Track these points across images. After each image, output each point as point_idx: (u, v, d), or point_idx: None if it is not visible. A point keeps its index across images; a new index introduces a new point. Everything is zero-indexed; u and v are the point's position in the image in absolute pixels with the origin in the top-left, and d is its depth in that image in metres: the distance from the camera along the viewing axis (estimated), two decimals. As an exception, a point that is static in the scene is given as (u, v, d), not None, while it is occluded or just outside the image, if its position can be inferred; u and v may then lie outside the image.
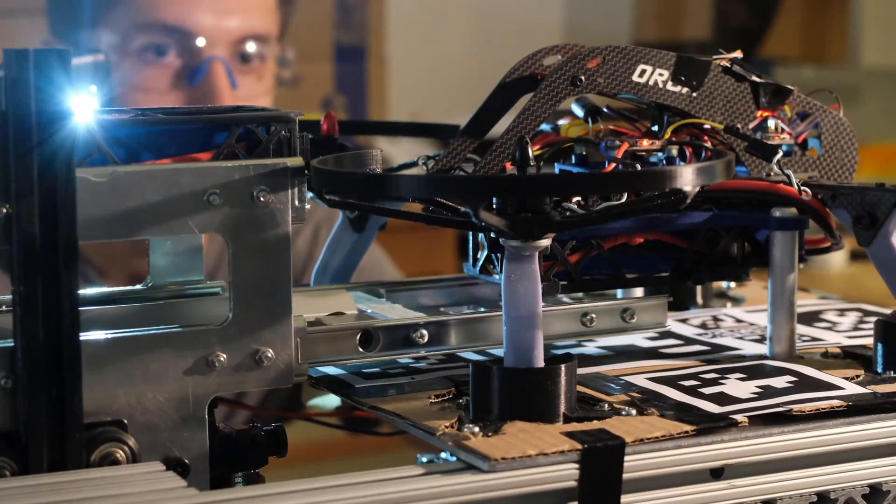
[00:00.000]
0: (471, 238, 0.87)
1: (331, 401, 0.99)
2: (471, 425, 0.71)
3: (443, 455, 0.70)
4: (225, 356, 0.73)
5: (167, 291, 0.82)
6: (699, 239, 0.87)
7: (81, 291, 0.72)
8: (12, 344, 0.68)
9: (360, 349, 0.78)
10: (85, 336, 0.69)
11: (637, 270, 0.87)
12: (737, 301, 1.04)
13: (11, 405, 0.68)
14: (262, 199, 0.73)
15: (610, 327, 0.85)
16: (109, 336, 0.71)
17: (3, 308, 0.74)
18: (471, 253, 0.87)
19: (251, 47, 1.50)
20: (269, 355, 0.73)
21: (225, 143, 0.75)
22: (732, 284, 1.07)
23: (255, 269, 0.73)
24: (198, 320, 0.79)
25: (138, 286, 0.82)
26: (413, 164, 0.91)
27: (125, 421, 0.71)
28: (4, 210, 0.67)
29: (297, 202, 0.74)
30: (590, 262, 0.85)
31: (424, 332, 0.79)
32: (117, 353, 0.71)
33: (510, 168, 0.82)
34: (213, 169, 0.72)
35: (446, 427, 0.72)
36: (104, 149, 0.72)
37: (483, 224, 0.71)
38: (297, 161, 0.74)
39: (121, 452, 0.70)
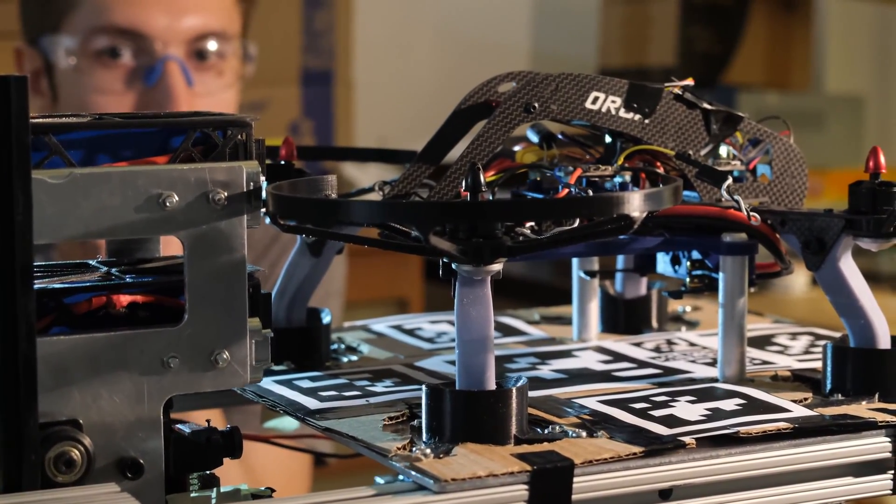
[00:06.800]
0: None
1: (288, 423, 0.99)
2: (422, 447, 0.72)
3: (401, 477, 0.71)
4: (180, 357, 0.73)
5: None
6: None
7: (40, 285, 0.73)
8: None
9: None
10: (42, 337, 0.70)
11: None
12: (691, 325, 1.05)
13: None
14: (217, 201, 0.74)
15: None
16: (66, 337, 0.72)
17: None
18: None
19: (208, 45, 1.51)
20: (225, 357, 0.74)
21: (181, 147, 0.75)
22: (688, 308, 1.09)
23: (211, 271, 0.74)
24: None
25: None
26: (370, 190, 0.92)
27: (80, 421, 0.72)
28: None
29: (252, 205, 0.75)
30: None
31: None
32: (74, 353, 0.72)
33: (465, 194, 0.83)
34: (169, 171, 0.73)
35: (398, 449, 0.73)
36: (61, 151, 0.73)
37: (434, 249, 0.72)
38: (252, 165, 0.75)
39: (76, 452, 0.71)
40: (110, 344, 0.72)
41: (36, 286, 0.70)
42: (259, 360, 0.76)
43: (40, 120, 0.73)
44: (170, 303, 0.76)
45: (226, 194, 0.74)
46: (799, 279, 2.54)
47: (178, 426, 0.77)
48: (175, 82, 1.48)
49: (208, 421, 0.79)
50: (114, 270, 0.79)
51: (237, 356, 0.75)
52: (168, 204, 0.73)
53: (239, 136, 0.76)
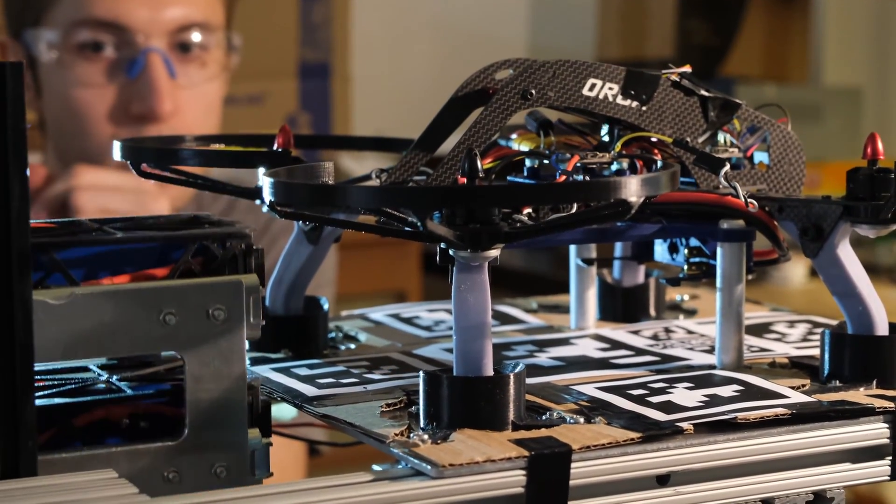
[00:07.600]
0: None
1: (286, 411, 0.99)
2: (420, 433, 0.72)
3: (400, 465, 0.71)
4: (181, 472, 0.73)
5: None
6: None
7: (42, 402, 0.73)
8: None
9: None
10: (43, 456, 0.70)
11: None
12: (689, 313, 1.05)
13: None
14: (217, 316, 0.73)
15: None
16: (67, 454, 0.72)
17: None
18: None
19: (191, 37, 1.51)
20: (225, 469, 0.74)
21: (181, 260, 0.75)
22: (686, 297, 1.09)
23: (211, 385, 0.74)
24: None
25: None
26: (367, 178, 0.92)
27: None
28: None
29: (252, 318, 0.74)
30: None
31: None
32: (74, 469, 0.71)
33: (462, 180, 0.83)
34: (170, 288, 0.73)
35: (396, 435, 0.73)
36: (62, 269, 0.73)
37: (431, 234, 0.72)
38: (251, 278, 0.75)
39: None
40: (111, 459, 0.72)
41: (37, 402, 0.70)
42: (259, 470, 0.75)
43: (42, 239, 0.73)
44: (170, 412, 0.75)
45: (225, 309, 0.73)
46: (797, 270, 2.54)
47: None
48: (157, 75, 1.48)
49: None
50: (114, 379, 0.79)
51: (238, 468, 0.74)
52: (168, 321, 0.72)
53: (238, 248, 0.76)
